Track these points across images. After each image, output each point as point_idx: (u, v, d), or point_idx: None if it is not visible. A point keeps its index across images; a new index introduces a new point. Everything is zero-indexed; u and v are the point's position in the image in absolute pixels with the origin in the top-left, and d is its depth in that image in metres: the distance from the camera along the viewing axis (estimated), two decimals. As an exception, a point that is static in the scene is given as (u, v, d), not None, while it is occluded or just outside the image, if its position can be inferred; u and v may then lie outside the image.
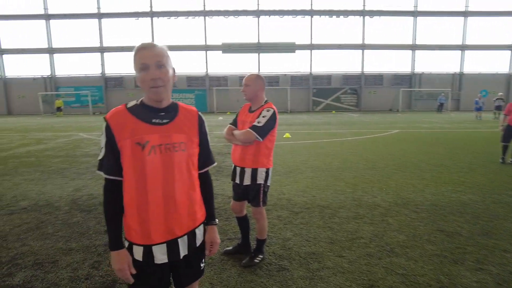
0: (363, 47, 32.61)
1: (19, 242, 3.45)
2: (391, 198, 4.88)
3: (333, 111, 31.75)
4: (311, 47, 32.31)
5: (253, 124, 2.73)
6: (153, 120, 1.38)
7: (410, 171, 6.56)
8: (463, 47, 32.86)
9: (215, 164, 1.70)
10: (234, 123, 3.01)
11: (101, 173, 1.39)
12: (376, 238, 3.52)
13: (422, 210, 4.34)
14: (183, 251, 1.47)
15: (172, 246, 1.43)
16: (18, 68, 32.79)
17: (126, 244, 1.44)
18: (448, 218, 4.06)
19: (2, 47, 32.17)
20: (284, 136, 11.97)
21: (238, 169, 2.93)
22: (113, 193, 1.40)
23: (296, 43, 31.97)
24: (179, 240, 1.45)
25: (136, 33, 32.22)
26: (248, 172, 2.87)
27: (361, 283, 2.69)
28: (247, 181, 2.89)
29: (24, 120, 23.23)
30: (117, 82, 33.16)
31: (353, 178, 6.05)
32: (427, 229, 3.72)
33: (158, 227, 1.39)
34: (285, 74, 32.41)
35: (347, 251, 3.24)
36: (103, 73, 32.97)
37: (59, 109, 29.13)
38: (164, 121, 1.40)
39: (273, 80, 32.52)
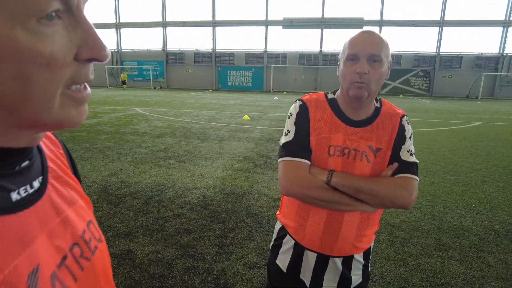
0: (441, 24, 28.91)
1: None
2: (485, 220, 3.72)
3: (401, 95, 29.01)
4: (380, 23, 29.47)
5: (403, 159, 1.23)
6: None
7: (506, 181, 5.18)
8: None
9: None
10: (306, 153, 1.24)
11: None
12: (471, 286, 2.52)
13: (536, 246, 3.17)
14: None
15: None
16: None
17: None
18: None
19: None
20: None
21: (335, 262, 1.32)
22: None
23: (365, 18, 29.34)
24: None
25: (198, 7, 32.08)
26: (359, 260, 1.35)
27: None
28: (357, 277, 1.36)
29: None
30: (178, 57, 33.68)
31: (431, 185, 4.89)
32: (551, 284, 2.61)
33: None
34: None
35: (429, 305, 2.32)
36: (164, 48, 33.65)
37: (123, 82, 30.52)
38: None
39: (336, 59, 30.53)
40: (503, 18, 28.04)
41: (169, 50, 33.80)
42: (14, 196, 0.43)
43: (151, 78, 32.39)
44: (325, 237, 1.26)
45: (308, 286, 1.35)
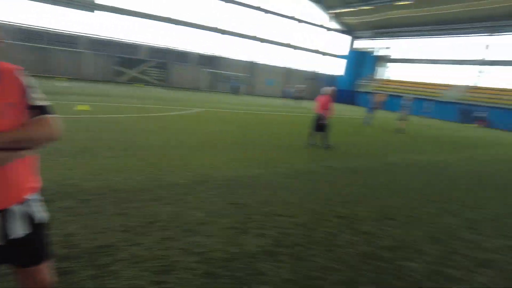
0: (169, 20, 32.21)
1: None
2: (191, 175, 4.99)
3: (138, 84, 30.24)
4: (115, 10, 29.18)
5: (36, 104, 1.46)
6: None
7: (211, 149, 6.97)
8: (258, 39, 37.98)
9: None
10: None
11: None
12: (175, 218, 3.48)
13: (219, 185, 4.65)
14: None
15: None
16: None
17: None
18: (240, 191, 4.51)
19: None
20: (77, 108, 10.34)
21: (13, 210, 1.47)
22: None
23: (95, 1, 28.04)
24: None
25: None
26: (17, 213, 1.48)
27: (157, 270, 2.57)
28: (19, 229, 1.49)
29: None
30: None
31: (155, 156, 5.85)
32: (222, 204, 3.99)
33: None
34: (82, 35, 28.02)
35: (143, 237, 3.04)
36: None
37: None
38: None
39: (70, 40, 27.51)
40: (216, 26, 34.85)
41: None
42: None
43: None
44: None
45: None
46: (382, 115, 25.09)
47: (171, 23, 32.29)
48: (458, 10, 33.07)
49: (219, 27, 35.02)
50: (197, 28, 33.92)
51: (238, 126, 10.87)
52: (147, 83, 31.34)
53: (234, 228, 3.39)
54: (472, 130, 23.66)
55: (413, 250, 3.44)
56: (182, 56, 33.71)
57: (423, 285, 2.80)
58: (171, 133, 8.17)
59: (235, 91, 33.14)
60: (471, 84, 35.03)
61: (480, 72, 35.05)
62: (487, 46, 34.53)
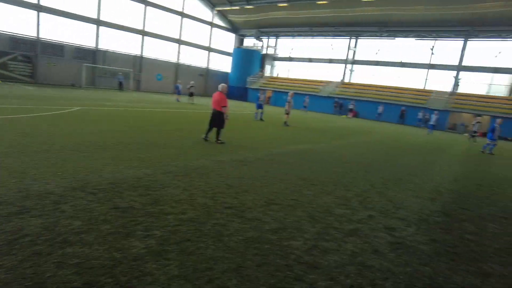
0: (36, 7, 27.90)
1: None
2: (67, 182, 4.48)
3: (-2, 81, 25.43)
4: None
5: None
6: None
7: (89, 151, 6.35)
8: (143, 33, 35.94)
9: None
10: None
11: None
12: (46, 231, 3.10)
13: (99, 190, 4.30)
14: None
15: None
16: None
17: None
18: (124, 194, 4.26)
19: None
20: None
21: None
22: None
23: None
24: None
25: None
26: None
27: (23, 291, 2.26)
28: None
29: None
30: None
31: (21, 164, 5.05)
32: (103, 209, 3.71)
33: None
34: None
35: (5, 257, 2.62)
36: None
37: None
38: None
39: None
40: (95, 17, 31.60)
41: None
42: None
43: None
44: None
45: None
46: (270, 110, 26.81)
47: (40, 11, 28.01)
48: (326, 15, 37.46)
49: (99, 19, 31.93)
50: (73, 18, 30.23)
51: (123, 125, 10.18)
52: (8, 79, 26.55)
53: (117, 233, 3.20)
54: (345, 121, 27.27)
55: (295, 229, 3.82)
56: (54, 49, 29.60)
57: (303, 260, 3.14)
58: (43, 136, 7.14)
59: (120, 87, 30.79)
60: (343, 80, 40.29)
61: (348, 70, 40.57)
62: (350, 47, 40.12)
